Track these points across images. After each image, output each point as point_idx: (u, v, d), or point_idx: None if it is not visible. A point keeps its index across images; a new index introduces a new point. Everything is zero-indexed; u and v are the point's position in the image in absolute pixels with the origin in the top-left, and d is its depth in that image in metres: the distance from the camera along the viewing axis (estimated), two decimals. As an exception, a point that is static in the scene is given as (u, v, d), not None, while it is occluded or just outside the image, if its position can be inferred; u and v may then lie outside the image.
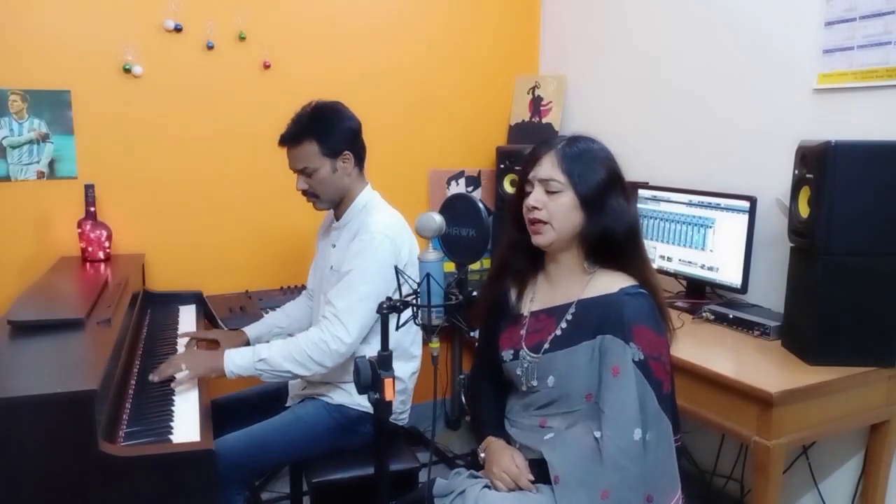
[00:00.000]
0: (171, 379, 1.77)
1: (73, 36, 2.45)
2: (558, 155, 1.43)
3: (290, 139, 1.94)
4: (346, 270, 1.87)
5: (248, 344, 2.14)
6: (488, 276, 1.64)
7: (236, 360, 1.82)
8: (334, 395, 1.96)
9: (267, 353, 1.82)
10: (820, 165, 1.77)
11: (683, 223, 2.43)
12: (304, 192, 1.98)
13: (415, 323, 1.40)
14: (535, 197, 1.44)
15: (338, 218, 2.04)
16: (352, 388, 1.91)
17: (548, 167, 1.43)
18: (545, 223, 1.43)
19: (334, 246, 2.01)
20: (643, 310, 1.39)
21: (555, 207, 1.42)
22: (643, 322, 1.37)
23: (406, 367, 2.01)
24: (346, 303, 1.83)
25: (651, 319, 1.39)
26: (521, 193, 1.49)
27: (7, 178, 2.43)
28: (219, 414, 1.87)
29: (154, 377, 1.77)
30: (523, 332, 1.53)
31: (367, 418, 1.92)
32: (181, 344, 2.09)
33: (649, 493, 1.32)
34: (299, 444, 1.90)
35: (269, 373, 1.83)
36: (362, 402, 1.91)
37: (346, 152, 1.94)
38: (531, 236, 1.46)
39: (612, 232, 1.41)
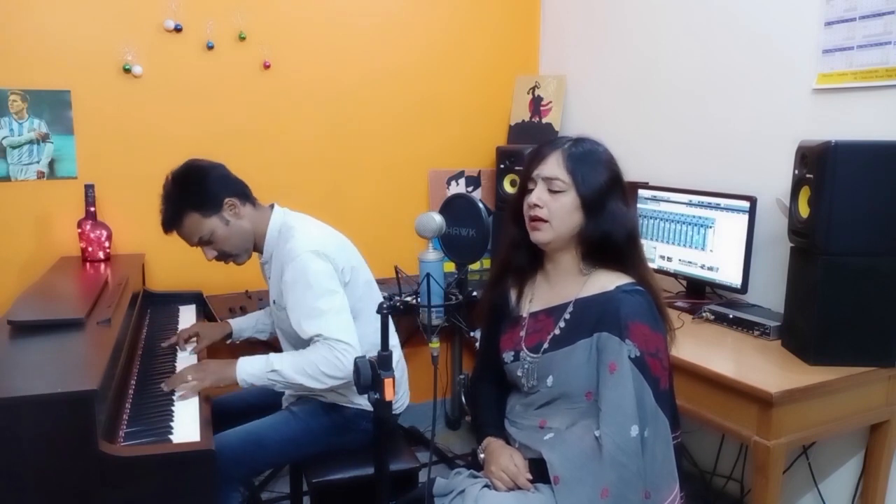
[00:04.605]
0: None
1: (73, 36, 2.45)
2: (564, 155, 1.44)
3: (171, 223, 1.88)
4: (296, 303, 1.80)
5: (230, 335, 2.16)
6: (490, 278, 1.65)
7: (248, 370, 1.79)
8: (328, 395, 1.95)
9: (279, 364, 1.78)
10: (820, 165, 1.77)
11: (683, 223, 2.43)
12: (218, 259, 1.93)
13: (416, 324, 1.40)
14: (537, 195, 1.44)
15: (261, 253, 1.98)
16: (345, 390, 1.90)
17: (553, 166, 1.44)
18: (545, 221, 1.43)
19: (269, 279, 1.97)
20: (639, 307, 1.39)
21: (556, 207, 1.43)
22: (639, 318, 1.38)
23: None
24: (328, 323, 1.76)
25: (647, 316, 1.39)
26: (524, 191, 1.49)
27: (7, 178, 2.43)
28: (216, 413, 1.87)
29: (165, 387, 1.75)
30: (523, 333, 1.53)
31: (363, 416, 1.92)
32: (179, 354, 2.06)
33: (647, 489, 1.33)
34: (296, 441, 1.90)
35: (282, 384, 1.81)
36: (356, 401, 1.91)
37: (227, 199, 1.87)
38: (530, 233, 1.47)
39: (610, 236, 1.42)
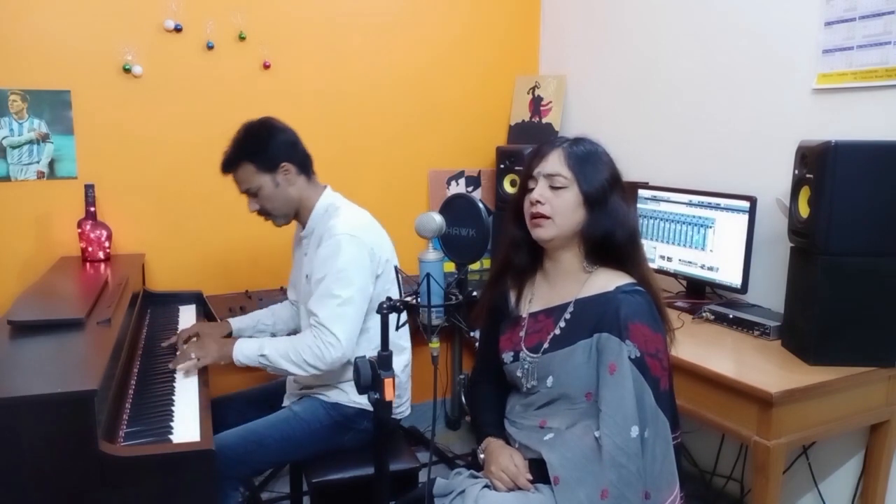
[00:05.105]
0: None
1: (73, 36, 2.45)
2: (565, 152, 1.45)
3: (227, 165, 1.96)
4: (320, 278, 1.86)
5: (230, 335, 2.18)
6: (489, 278, 1.65)
7: (243, 351, 1.89)
8: (330, 393, 1.96)
9: (269, 349, 1.87)
10: (820, 165, 1.77)
11: (683, 223, 2.43)
12: (259, 213, 2.00)
13: (415, 323, 1.40)
14: (539, 191, 1.44)
15: (303, 227, 2.05)
16: (348, 386, 1.92)
17: (555, 163, 1.44)
18: (547, 217, 1.44)
19: (306, 255, 2.01)
20: (639, 307, 1.39)
21: (558, 203, 1.43)
22: (639, 319, 1.38)
23: (398, 361, 2.01)
24: (329, 310, 1.83)
25: (647, 316, 1.39)
26: (524, 190, 1.49)
27: (7, 178, 2.43)
28: (217, 413, 1.88)
29: (171, 366, 1.86)
30: (522, 333, 1.53)
31: (364, 415, 1.93)
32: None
33: (647, 489, 1.33)
34: (296, 440, 1.90)
35: (271, 367, 1.89)
36: (357, 400, 1.91)
37: (284, 164, 1.93)
38: (531, 230, 1.47)
39: (613, 234, 1.43)
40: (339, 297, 1.83)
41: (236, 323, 2.20)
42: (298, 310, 2.13)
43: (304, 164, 2.00)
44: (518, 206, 1.51)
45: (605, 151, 1.48)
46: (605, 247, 1.44)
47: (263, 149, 1.93)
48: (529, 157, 1.51)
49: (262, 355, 1.86)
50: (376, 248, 1.92)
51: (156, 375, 1.86)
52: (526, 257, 1.55)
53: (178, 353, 2.06)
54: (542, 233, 1.46)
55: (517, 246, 1.54)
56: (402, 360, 2.04)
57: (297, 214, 2.03)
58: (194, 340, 2.02)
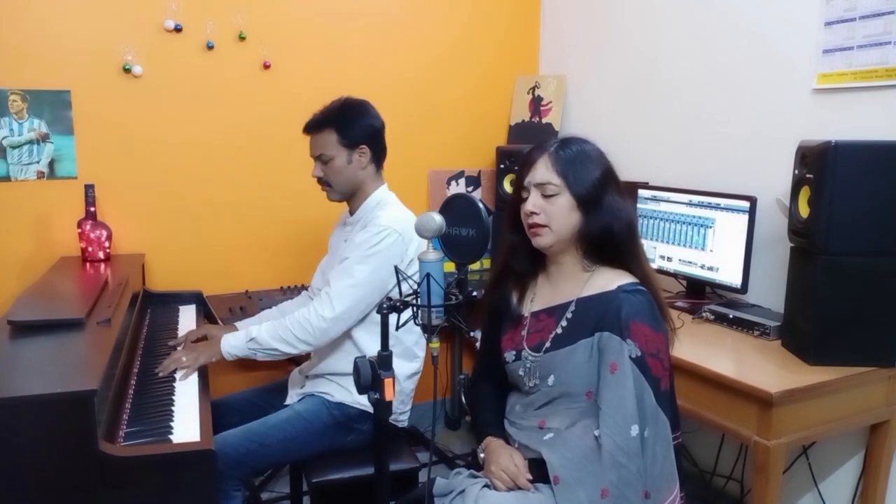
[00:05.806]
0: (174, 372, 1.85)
1: (73, 36, 2.45)
2: (552, 158, 1.44)
3: (313, 126, 2.02)
4: (347, 256, 1.91)
5: None
6: (489, 281, 1.65)
7: (231, 342, 1.91)
8: (334, 392, 1.96)
9: (257, 332, 1.90)
10: (820, 165, 1.77)
11: (683, 223, 2.43)
12: (319, 181, 2.05)
13: (415, 323, 1.40)
14: (533, 202, 1.44)
15: (352, 213, 2.08)
16: (352, 385, 1.92)
17: (542, 171, 1.44)
18: (544, 226, 1.44)
19: (346, 240, 2.04)
20: (641, 307, 1.39)
21: (553, 210, 1.43)
22: (640, 319, 1.38)
23: (406, 367, 2.01)
24: (340, 285, 1.88)
25: (648, 316, 1.39)
26: (518, 198, 1.49)
27: (7, 178, 2.43)
28: (219, 413, 1.88)
29: (159, 371, 1.85)
30: (524, 332, 1.53)
31: (367, 417, 1.93)
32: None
33: (647, 489, 1.33)
34: (298, 441, 1.90)
35: (261, 351, 1.91)
36: (361, 401, 1.91)
37: (363, 146, 2.00)
38: (531, 238, 1.47)
39: (611, 229, 1.43)
40: (353, 278, 1.87)
41: (242, 325, 2.18)
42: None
43: (379, 156, 2.06)
44: (514, 212, 1.51)
45: (594, 148, 1.47)
46: (605, 243, 1.44)
47: (351, 124, 1.99)
48: (520, 166, 1.50)
49: (251, 339, 1.89)
50: (411, 249, 1.94)
51: (156, 375, 1.85)
52: (526, 262, 1.55)
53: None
54: (541, 241, 1.46)
55: (516, 251, 1.54)
56: (410, 366, 2.04)
57: (350, 199, 2.07)
58: (184, 347, 2.02)
